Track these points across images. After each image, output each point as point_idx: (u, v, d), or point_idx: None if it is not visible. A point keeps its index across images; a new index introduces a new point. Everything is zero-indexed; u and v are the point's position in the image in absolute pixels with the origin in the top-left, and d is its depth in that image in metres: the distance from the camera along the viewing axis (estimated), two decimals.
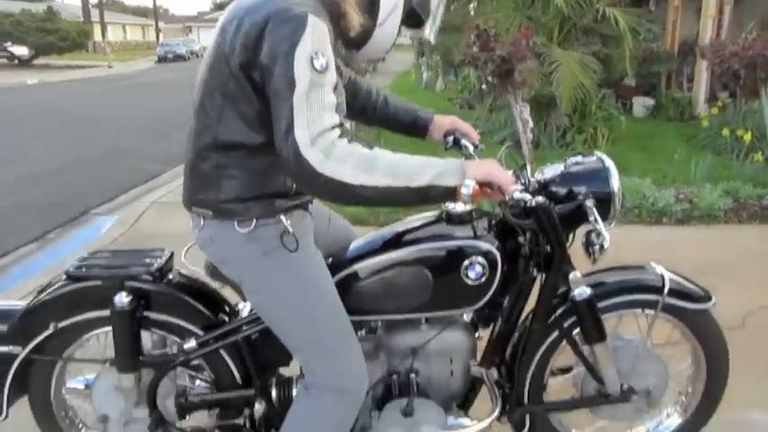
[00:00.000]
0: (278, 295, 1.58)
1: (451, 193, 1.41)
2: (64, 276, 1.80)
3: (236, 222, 1.53)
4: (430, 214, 1.81)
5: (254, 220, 1.53)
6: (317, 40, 1.35)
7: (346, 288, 1.69)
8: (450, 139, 1.93)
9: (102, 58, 36.18)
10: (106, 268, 1.80)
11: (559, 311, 1.80)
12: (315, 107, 1.33)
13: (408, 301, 1.72)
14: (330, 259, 1.73)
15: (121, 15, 61.43)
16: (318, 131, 1.33)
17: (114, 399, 1.84)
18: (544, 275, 1.76)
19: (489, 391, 1.84)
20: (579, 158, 1.76)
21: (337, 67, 1.46)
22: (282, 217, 1.54)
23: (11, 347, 1.76)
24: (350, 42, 1.55)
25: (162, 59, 38.12)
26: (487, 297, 1.71)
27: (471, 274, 1.68)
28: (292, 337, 1.63)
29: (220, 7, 55.06)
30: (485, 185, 1.47)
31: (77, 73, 27.47)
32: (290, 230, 1.53)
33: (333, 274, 1.67)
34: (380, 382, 1.81)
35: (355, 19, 1.46)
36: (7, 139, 9.73)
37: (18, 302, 1.88)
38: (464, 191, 1.39)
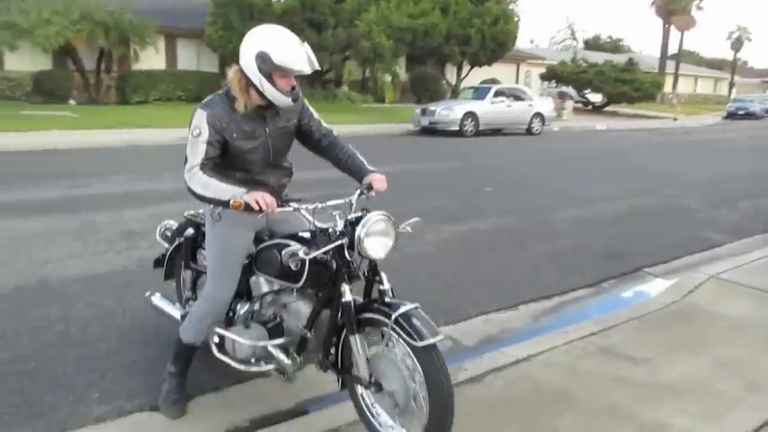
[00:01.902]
0: (208, 242, 2.98)
1: (227, 204, 2.58)
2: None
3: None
4: (318, 226, 2.69)
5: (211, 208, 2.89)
6: (195, 120, 2.69)
7: (260, 253, 2.92)
8: (363, 188, 2.90)
9: (669, 109, 36.60)
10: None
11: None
12: (189, 152, 2.69)
13: (274, 271, 2.82)
14: (269, 236, 2.97)
15: (694, 67, 60.85)
16: (189, 167, 2.68)
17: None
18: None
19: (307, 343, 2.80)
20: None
21: (244, 130, 2.74)
22: (219, 209, 2.81)
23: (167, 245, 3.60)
24: (269, 104, 2.72)
25: (731, 115, 36.22)
26: (302, 281, 2.69)
27: (291, 264, 2.66)
28: (208, 263, 2.98)
29: None
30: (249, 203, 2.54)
31: (642, 122, 28.42)
32: (218, 212, 2.83)
33: (258, 241, 2.95)
34: (267, 314, 3.00)
35: (242, 97, 2.71)
36: (567, 180, 10.71)
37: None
38: (232, 203, 2.54)
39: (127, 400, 3.08)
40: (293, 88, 2.69)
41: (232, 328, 2.95)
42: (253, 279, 2.98)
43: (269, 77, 2.60)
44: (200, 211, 3.26)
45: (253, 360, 2.91)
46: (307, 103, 2.98)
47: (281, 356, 2.86)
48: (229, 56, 23.32)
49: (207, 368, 3.17)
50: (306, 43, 2.65)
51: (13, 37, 15.95)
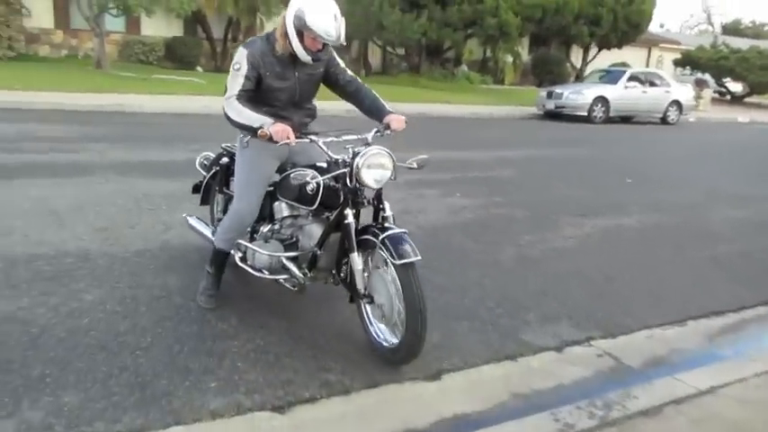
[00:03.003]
0: (237, 165, 3.43)
1: (255, 132, 2.95)
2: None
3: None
4: (334, 158, 3.10)
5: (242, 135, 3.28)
6: (237, 56, 3.15)
7: (282, 180, 3.38)
8: (381, 127, 3.26)
9: None
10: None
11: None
12: (229, 83, 3.15)
13: (293, 195, 3.27)
14: (290, 166, 3.40)
15: None
16: (228, 95, 3.13)
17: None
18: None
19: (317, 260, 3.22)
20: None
21: (277, 71, 3.19)
22: (248, 137, 3.12)
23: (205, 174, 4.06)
24: (295, 56, 3.11)
25: None
26: (316, 204, 3.12)
27: (308, 188, 3.05)
28: (236, 182, 3.44)
29: None
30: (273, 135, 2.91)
31: None
32: (247, 140, 3.15)
33: (282, 171, 3.41)
34: (285, 234, 3.43)
35: (281, 40, 3.12)
36: (715, 176, 9.58)
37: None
38: (260, 132, 2.91)
39: (246, 394, 2.72)
40: (321, 49, 3.13)
41: (254, 242, 3.48)
42: (276, 204, 3.46)
43: (299, 34, 3.04)
44: (235, 144, 3.67)
45: (269, 270, 3.40)
46: (334, 53, 3.39)
47: (294, 268, 3.30)
48: (351, 31, 23.07)
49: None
50: (342, 18, 3.03)
51: (150, 2, 16.44)
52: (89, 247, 4.32)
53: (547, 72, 28.27)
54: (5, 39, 17.69)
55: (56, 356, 2.89)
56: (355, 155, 2.93)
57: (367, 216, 3.15)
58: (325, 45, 3.11)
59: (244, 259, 3.52)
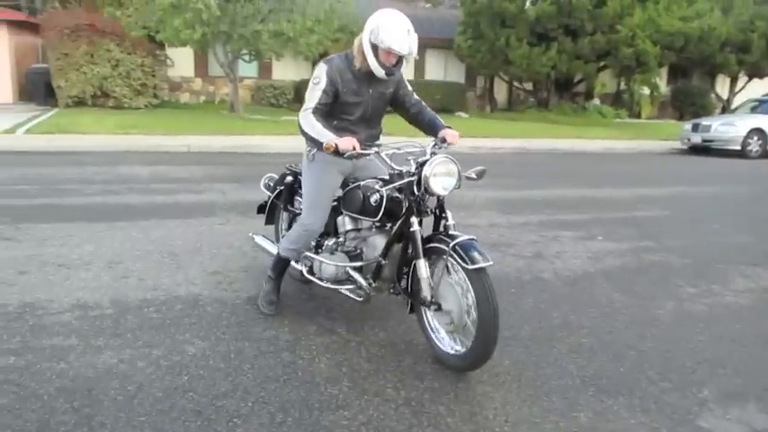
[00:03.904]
0: (303, 179, 3.60)
1: (321, 145, 3.18)
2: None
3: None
4: (397, 169, 3.23)
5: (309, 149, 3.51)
6: (317, 71, 3.36)
7: (345, 194, 3.49)
8: (438, 140, 3.37)
9: None
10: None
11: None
12: (308, 96, 3.36)
13: (357, 207, 3.37)
14: (353, 180, 3.50)
15: None
16: (304, 108, 3.35)
17: None
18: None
19: (381, 270, 3.34)
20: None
21: (353, 87, 3.36)
22: (314, 150, 3.43)
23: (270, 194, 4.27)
24: (370, 74, 3.31)
25: None
26: (379, 215, 3.23)
27: (371, 199, 3.24)
28: (303, 196, 3.59)
29: None
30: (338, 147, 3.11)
31: None
32: (313, 153, 3.44)
33: (345, 187, 3.51)
34: (350, 246, 3.54)
35: (359, 58, 3.29)
36: None
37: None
38: (325, 144, 3.12)
39: None
40: (395, 65, 3.31)
41: (320, 255, 3.62)
42: (339, 218, 3.58)
43: (375, 49, 3.22)
44: (297, 163, 3.95)
45: (335, 281, 3.53)
46: (403, 77, 3.60)
47: (359, 278, 3.42)
48: (477, 66, 22.78)
49: None
50: (414, 33, 3.20)
51: (281, 46, 16.98)
52: (200, 293, 4.08)
53: (689, 104, 26.28)
54: (151, 88, 18.95)
55: (148, 421, 2.58)
56: (422, 164, 3.05)
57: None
58: (398, 61, 3.30)
59: (311, 272, 3.66)
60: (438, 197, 3.10)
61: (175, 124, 14.50)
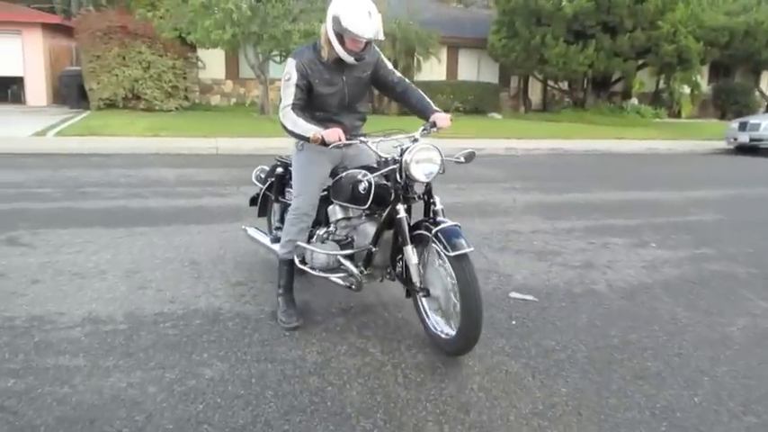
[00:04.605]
0: (293, 168, 3.59)
1: (308, 139, 3.18)
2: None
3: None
4: (383, 157, 3.20)
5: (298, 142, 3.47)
6: (287, 67, 3.30)
7: (335, 183, 3.48)
8: (428, 125, 3.31)
9: None
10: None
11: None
12: (283, 93, 3.32)
13: (346, 196, 3.35)
14: (342, 169, 3.47)
15: None
16: (282, 106, 3.30)
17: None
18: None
19: (372, 257, 3.31)
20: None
21: (325, 77, 3.31)
22: (301, 142, 3.42)
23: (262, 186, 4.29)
24: (341, 61, 3.23)
25: None
26: (368, 203, 3.21)
27: (360, 187, 3.21)
28: (293, 184, 3.57)
29: None
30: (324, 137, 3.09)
31: None
32: (302, 143, 3.42)
33: (335, 175, 3.49)
34: (340, 235, 3.51)
35: (326, 47, 3.23)
36: None
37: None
38: (312, 137, 3.11)
39: None
40: (364, 49, 3.23)
41: (311, 243, 3.57)
42: (330, 208, 3.57)
43: (339, 37, 3.15)
44: (287, 155, 3.90)
45: (326, 269, 3.48)
46: (382, 56, 3.51)
47: (350, 266, 3.37)
48: (511, 65, 22.23)
49: None
50: (378, 14, 3.11)
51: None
52: (221, 306, 3.76)
53: (732, 102, 25.34)
54: (182, 90, 18.85)
55: None
56: (403, 151, 3.05)
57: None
58: (366, 45, 3.23)
59: (303, 262, 3.59)
60: (425, 183, 3.11)
61: (205, 126, 14.32)
